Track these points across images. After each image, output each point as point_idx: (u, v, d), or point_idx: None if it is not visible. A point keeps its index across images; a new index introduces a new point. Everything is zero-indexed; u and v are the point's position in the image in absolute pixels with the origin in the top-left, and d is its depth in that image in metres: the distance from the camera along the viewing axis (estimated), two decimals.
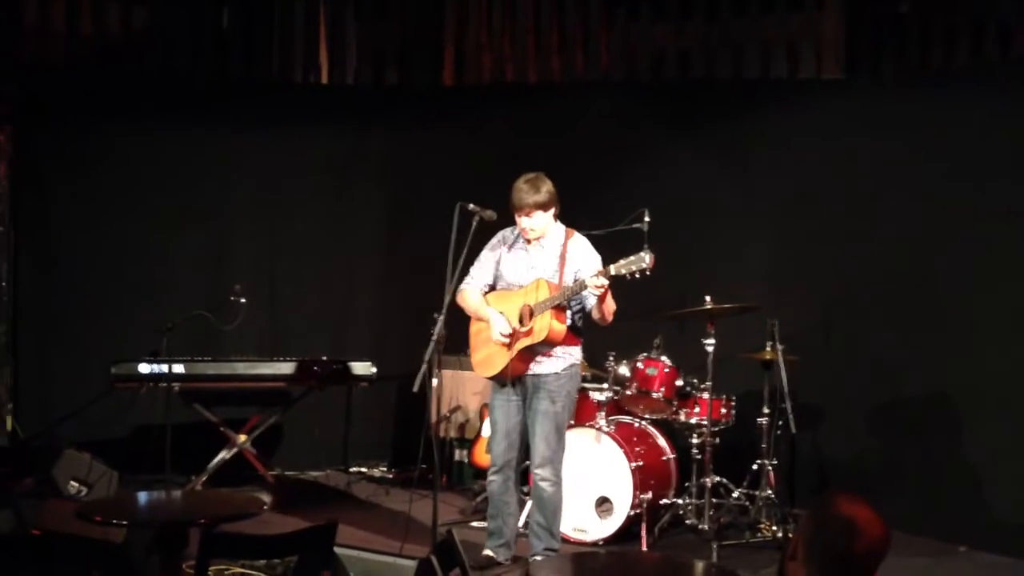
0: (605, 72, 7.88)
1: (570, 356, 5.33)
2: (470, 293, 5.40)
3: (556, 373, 5.28)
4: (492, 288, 5.44)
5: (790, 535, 5.69)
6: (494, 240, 5.44)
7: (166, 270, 7.63)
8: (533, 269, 5.30)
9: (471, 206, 5.16)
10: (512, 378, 5.29)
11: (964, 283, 6.33)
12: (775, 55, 7.41)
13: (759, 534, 6.10)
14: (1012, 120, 6.17)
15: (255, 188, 7.94)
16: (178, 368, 6.60)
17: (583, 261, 5.26)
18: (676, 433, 6.52)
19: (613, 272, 4.93)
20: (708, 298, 6.03)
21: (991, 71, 6.56)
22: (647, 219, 5.54)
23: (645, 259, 4.88)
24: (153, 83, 7.66)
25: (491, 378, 5.37)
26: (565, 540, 5.93)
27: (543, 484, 5.30)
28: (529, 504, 5.63)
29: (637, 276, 4.91)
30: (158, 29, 7.69)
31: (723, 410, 6.27)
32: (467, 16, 8.05)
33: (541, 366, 5.27)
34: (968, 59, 6.69)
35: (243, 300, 6.66)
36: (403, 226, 8.02)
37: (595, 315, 5.18)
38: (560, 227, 5.36)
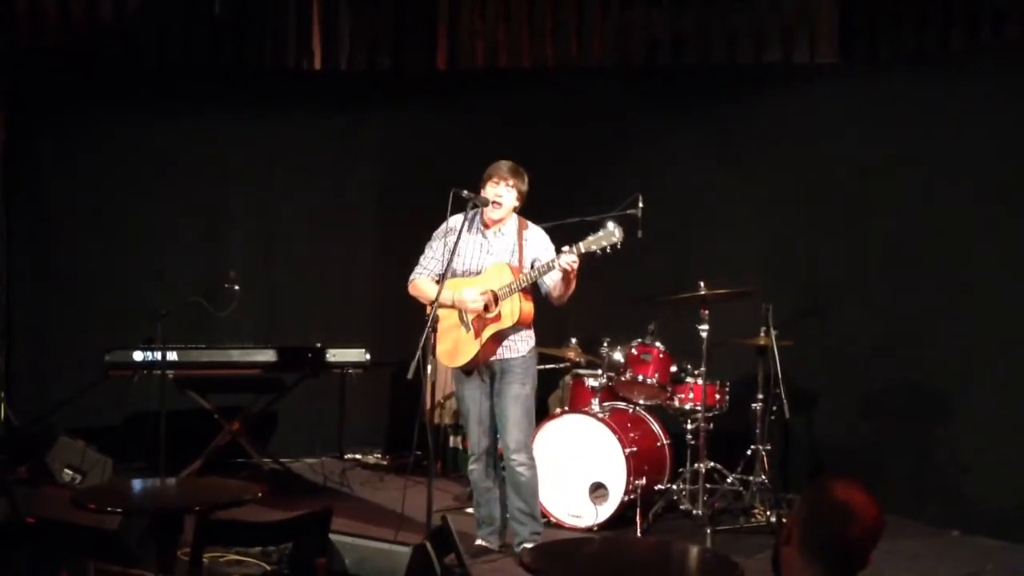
0: (599, 58, 7.85)
1: (531, 338, 5.34)
2: (424, 282, 5.34)
3: (523, 356, 5.29)
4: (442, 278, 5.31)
5: (784, 520, 5.70)
6: (442, 228, 5.34)
7: (160, 257, 7.61)
8: (491, 256, 5.27)
9: (465, 192, 5.14)
10: (480, 364, 5.28)
11: (958, 267, 6.33)
12: (769, 40, 7.39)
13: (753, 519, 6.12)
14: (1006, 104, 6.17)
15: (249, 174, 7.92)
16: (172, 355, 6.61)
17: (540, 248, 5.28)
18: (670, 419, 6.52)
19: (584, 249, 4.89)
20: (702, 283, 6.03)
21: (985, 55, 6.55)
22: (641, 204, 5.53)
23: (615, 234, 4.85)
24: (146, 69, 7.62)
25: (460, 368, 5.33)
26: (559, 526, 5.96)
27: (520, 469, 5.30)
28: None
29: (608, 251, 4.88)
30: (150, 15, 7.64)
31: (717, 395, 6.28)
32: (460, 1, 8.02)
33: (508, 350, 5.26)
34: (962, 43, 6.68)
35: (237, 287, 6.65)
36: (397, 212, 8.00)
37: (555, 294, 5.15)
38: (515, 216, 5.34)
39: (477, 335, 5.19)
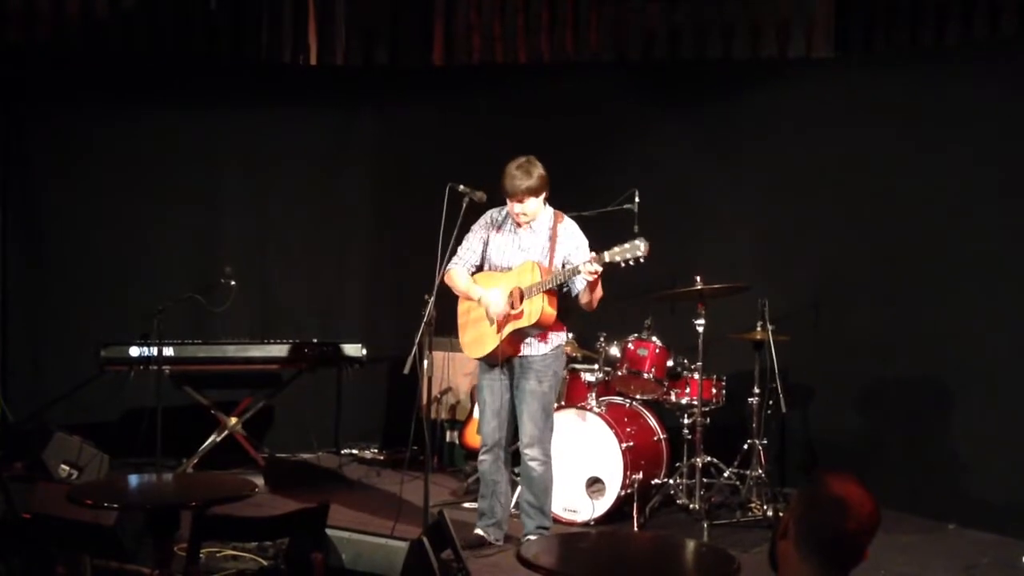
0: (595, 52, 7.84)
1: (556, 337, 5.35)
2: (458, 273, 5.38)
3: (544, 354, 5.30)
4: (479, 269, 5.43)
5: (781, 514, 5.71)
6: (481, 221, 5.41)
7: (156, 252, 7.60)
8: (523, 252, 5.30)
9: (461, 187, 5.14)
10: (501, 359, 5.29)
11: (952, 261, 6.34)
12: (765, 34, 7.39)
13: (750, 513, 6.12)
14: (1001, 99, 6.17)
15: (244, 170, 7.90)
16: (168, 351, 6.60)
17: (573, 245, 5.28)
18: (667, 413, 6.53)
19: (608, 259, 4.92)
20: (698, 278, 6.03)
21: (980, 50, 6.55)
22: (637, 199, 5.53)
23: (640, 247, 4.87)
24: (141, 64, 7.61)
25: (481, 358, 5.37)
26: (556, 520, 5.95)
27: (532, 464, 5.32)
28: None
29: (631, 264, 4.90)
30: (145, 9, 7.63)
31: (713, 390, 6.28)
32: None
33: (529, 348, 5.29)
34: (958, 38, 6.68)
35: (233, 282, 6.64)
36: (393, 207, 8.00)
37: (583, 300, 5.20)
38: (549, 210, 5.35)
39: (499, 329, 5.22)
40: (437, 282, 5.13)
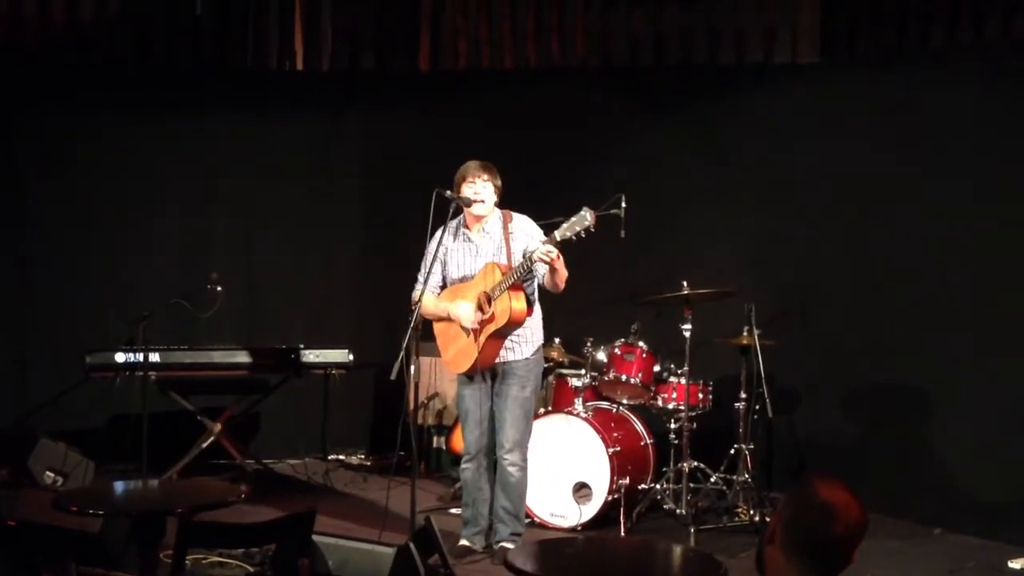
0: (581, 58, 7.85)
1: (536, 339, 5.35)
2: (426, 300, 5.33)
3: (526, 359, 5.30)
4: (444, 286, 5.39)
5: (767, 519, 5.73)
6: (432, 240, 5.31)
7: (142, 258, 7.58)
8: (480, 257, 5.28)
9: (448, 192, 5.14)
10: (484, 369, 5.28)
11: (938, 265, 6.36)
12: (751, 40, 7.41)
13: (736, 518, 6.13)
14: (986, 102, 6.20)
15: (231, 175, 7.88)
16: (154, 357, 6.57)
17: (528, 237, 5.28)
18: (654, 418, 6.53)
19: (559, 237, 4.89)
20: (685, 283, 6.04)
21: (965, 54, 6.58)
22: (623, 205, 5.53)
23: (587, 217, 4.83)
24: (127, 70, 7.58)
25: (465, 373, 5.34)
26: (543, 526, 5.97)
27: (512, 469, 5.31)
28: None
29: (583, 236, 4.87)
30: (131, 16, 7.61)
31: (700, 395, 6.29)
32: (443, 1, 8.01)
33: (511, 352, 5.27)
34: (942, 42, 6.71)
35: (219, 288, 6.62)
36: (380, 212, 8.00)
37: (547, 284, 5.17)
38: (498, 211, 5.36)
39: (476, 338, 5.19)
40: (422, 288, 5.12)
